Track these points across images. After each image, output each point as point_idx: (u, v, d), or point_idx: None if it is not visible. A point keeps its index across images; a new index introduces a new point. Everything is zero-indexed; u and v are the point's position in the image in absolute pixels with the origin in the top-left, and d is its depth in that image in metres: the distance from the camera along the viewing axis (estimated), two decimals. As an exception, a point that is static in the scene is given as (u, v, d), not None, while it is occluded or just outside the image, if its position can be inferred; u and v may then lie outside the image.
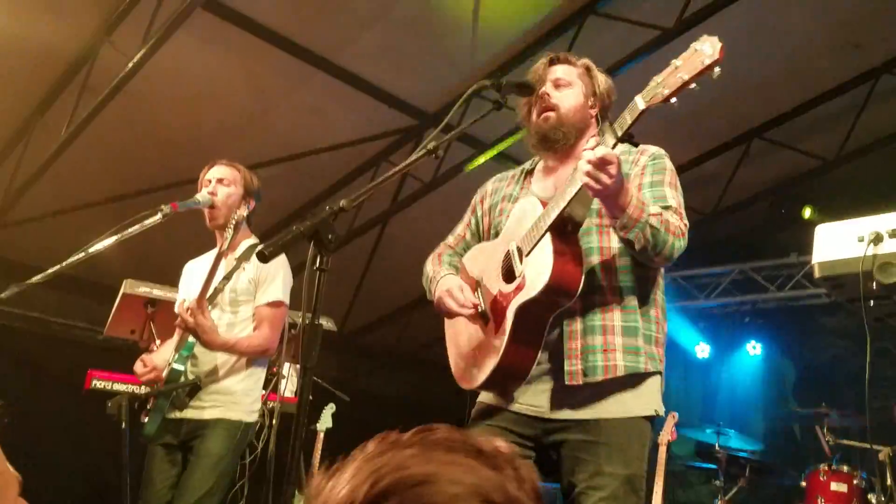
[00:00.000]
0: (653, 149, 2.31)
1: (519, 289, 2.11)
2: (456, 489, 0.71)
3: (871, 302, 1.37)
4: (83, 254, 2.99)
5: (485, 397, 2.33)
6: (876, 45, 5.74)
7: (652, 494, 4.91)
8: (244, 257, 3.32)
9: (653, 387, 2.19)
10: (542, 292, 2.03)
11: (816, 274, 1.50)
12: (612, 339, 2.13)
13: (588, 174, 1.91)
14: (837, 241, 1.45)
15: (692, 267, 7.81)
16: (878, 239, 1.37)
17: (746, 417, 7.82)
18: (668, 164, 2.27)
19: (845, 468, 4.88)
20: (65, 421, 6.31)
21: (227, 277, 3.27)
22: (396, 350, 9.24)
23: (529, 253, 2.13)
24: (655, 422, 2.22)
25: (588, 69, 2.39)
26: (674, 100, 1.86)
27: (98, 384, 4.19)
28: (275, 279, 3.25)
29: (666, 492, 4.94)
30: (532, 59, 2.53)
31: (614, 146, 1.92)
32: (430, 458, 0.74)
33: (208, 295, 3.17)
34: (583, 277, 2.07)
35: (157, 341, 3.94)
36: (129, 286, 4.14)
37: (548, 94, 2.31)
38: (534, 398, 2.19)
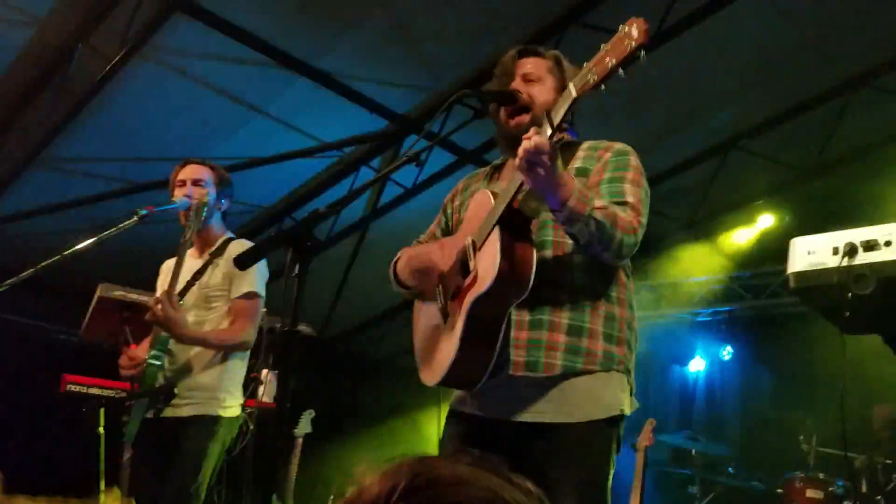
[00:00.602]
0: (619, 145, 2.25)
1: (472, 283, 2.08)
2: (489, 494, 0.76)
3: (846, 313, 1.39)
4: (59, 256, 2.97)
5: (454, 402, 2.30)
6: (853, 57, 5.82)
7: (629, 500, 4.93)
8: (218, 253, 3.29)
9: (611, 386, 2.12)
10: (491, 286, 1.98)
11: (791, 285, 1.51)
12: (557, 336, 2.08)
13: (520, 165, 1.89)
14: (813, 253, 1.47)
15: (671, 274, 7.87)
16: (852, 251, 1.39)
17: (723, 424, 7.88)
18: (634, 161, 2.19)
19: (821, 475, 4.92)
20: (39, 424, 6.24)
21: (201, 273, 3.25)
22: (376, 356, 9.22)
23: (481, 247, 2.10)
24: (621, 422, 2.14)
25: (558, 61, 2.33)
26: (603, 87, 1.80)
27: (73, 388, 4.15)
28: (249, 272, 3.21)
29: (642, 497, 4.96)
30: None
31: (551, 136, 1.88)
32: (464, 469, 0.78)
33: (180, 290, 3.15)
34: (533, 271, 2.01)
35: (133, 345, 3.91)
36: (104, 289, 4.09)
37: (519, 92, 2.25)
38: (492, 400, 2.15)
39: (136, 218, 3.10)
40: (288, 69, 5.54)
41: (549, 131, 1.89)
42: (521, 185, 1.98)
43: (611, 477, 2.11)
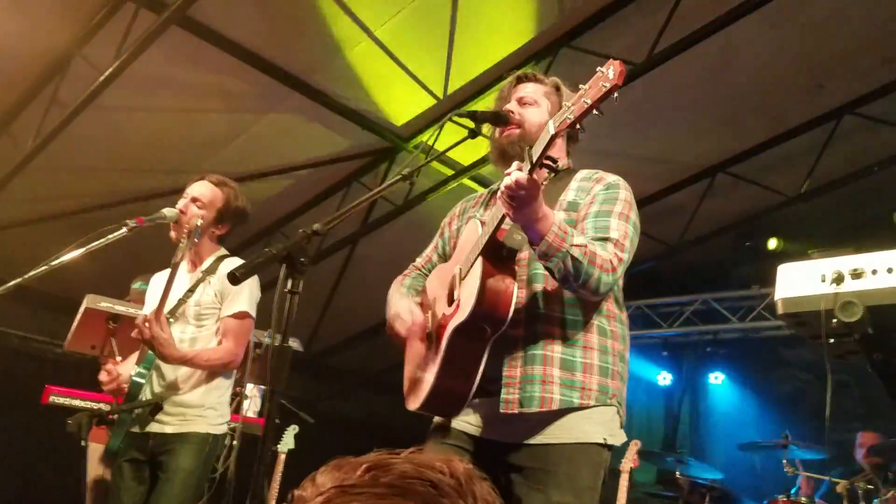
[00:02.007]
0: (611, 178, 2.25)
1: (454, 312, 2.09)
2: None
3: (832, 339, 1.41)
4: (46, 267, 2.94)
5: (438, 417, 2.31)
6: (839, 85, 5.91)
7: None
8: (210, 270, 3.27)
9: (601, 417, 2.11)
10: (469, 316, 2.00)
11: (779, 310, 1.53)
12: (550, 370, 2.07)
13: (502, 197, 1.92)
14: (800, 280, 1.49)
15: (656, 296, 7.91)
16: (839, 279, 1.41)
17: (707, 446, 7.90)
18: (623, 195, 2.19)
19: (804, 499, 4.94)
20: (21, 436, 6.17)
21: (192, 290, 3.22)
22: (361, 372, 9.19)
23: (465, 276, 2.11)
24: (610, 450, 2.14)
25: (557, 87, 2.36)
26: (579, 126, 1.86)
27: (56, 399, 4.10)
28: (241, 291, 3.19)
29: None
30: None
31: (530, 171, 1.90)
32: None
33: (172, 307, 3.13)
34: (512, 304, 2.02)
35: (119, 357, 3.88)
36: (90, 301, 4.06)
37: (511, 112, 2.29)
38: (482, 423, 2.16)
39: (124, 229, 3.07)
40: (281, 84, 5.57)
41: (528, 167, 1.91)
42: (504, 216, 2.00)
43: (598, 501, 2.09)
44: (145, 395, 3.14)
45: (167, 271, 3.43)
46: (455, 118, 2.26)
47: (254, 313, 3.24)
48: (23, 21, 4.96)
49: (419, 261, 2.58)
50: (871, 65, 5.70)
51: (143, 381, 3.11)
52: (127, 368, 3.25)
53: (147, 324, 2.94)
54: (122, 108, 5.59)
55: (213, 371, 3.17)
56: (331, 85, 5.68)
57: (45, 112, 5.48)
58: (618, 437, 2.16)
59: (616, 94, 1.77)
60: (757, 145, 6.44)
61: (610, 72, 1.77)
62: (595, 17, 5.14)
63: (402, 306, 2.29)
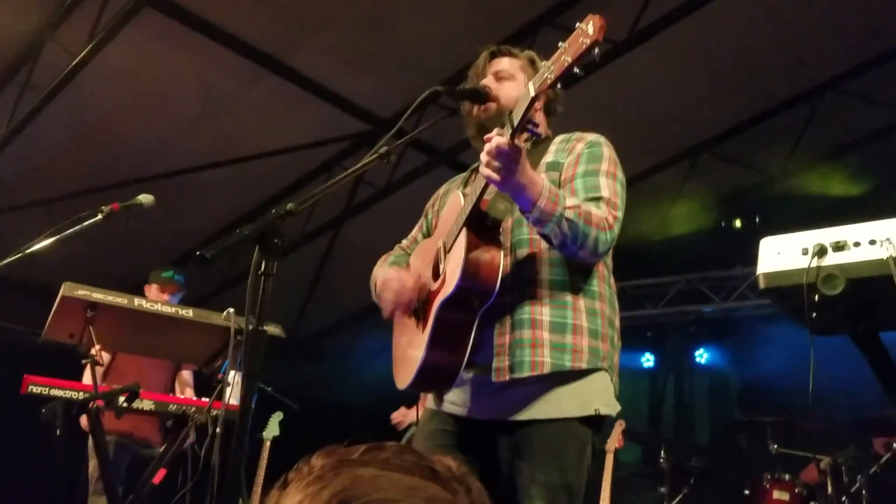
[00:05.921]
0: (591, 136, 2.22)
1: (441, 286, 2.07)
2: None
3: (815, 314, 1.39)
4: (21, 254, 2.90)
5: (430, 402, 2.28)
6: (820, 62, 5.89)
7: (599, 501, 4.94)
8: None
9: (594, 385, 2.07)
10: (455, 289, 1.96)
11: (761, 285, 1.50)
12: (540, 333, 2.03)
13: (485, 165, 1.86)
14: (782, 253, 1.47)
15: (639, 276, 7.91)
16: (822, 251, 1.39)
17: (692, 426, 7.94)
18: (607, 152, 2.16)
19: (787, 476, 4.97)
20: (1, 426, 6.12)
21: None
22: (349, 357, 9.15)
23: (450, 249, 2.08)
24: (600, 423, 2.09)
25: (532, 61, 2.31)
26: (560, 85, 1.80)
27: (34, 389, 4.04)
28: None
29: (612, 499, 4.97)
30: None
31: (513, 136, 1.86)
32: (392, 481, 0.74)
33: None
34: (500, 275, 1.99)
35: (97, 346, 3.83)
36: (67, 289, 4.00)
37: (488, 87, 2.24)
38: (469, 399, 2.12)
39: (100, 215, 3.03)
40: (259, 66, 5.48)
41: (510, 131, 1.87)
42: (486, 185, 1.96)
43: (584, 482, 2.04)
44: None
45: None
46: (436, 98, 2.21)
47: None
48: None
49: (404, 242, 2.55)
50: (852, 40, 5.69)
51: None
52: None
53: None
54: (97, 93, 5.50)
55: None
56: (309, 65, 5.61)
57: (18, 97, 5.38)
58: (612, 407, 2.11)
59: (597, 51, 1.70)
60: (738, 124, 6.42)
61: (589, 27, 1.70)
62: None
63: (389, 273, 2.26)
